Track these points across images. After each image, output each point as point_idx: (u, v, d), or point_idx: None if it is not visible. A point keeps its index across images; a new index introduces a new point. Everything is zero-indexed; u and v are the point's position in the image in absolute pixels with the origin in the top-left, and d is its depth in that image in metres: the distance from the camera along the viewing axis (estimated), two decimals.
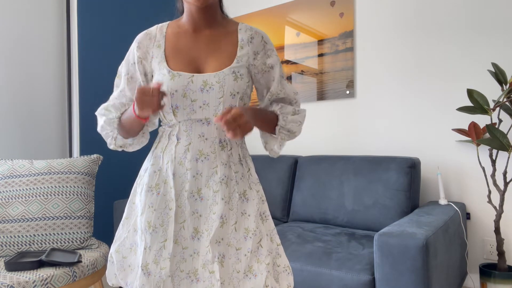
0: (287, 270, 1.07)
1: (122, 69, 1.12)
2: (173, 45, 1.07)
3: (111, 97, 1.13)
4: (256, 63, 1.08)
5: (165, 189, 1.03)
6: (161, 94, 0.95)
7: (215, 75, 1.01)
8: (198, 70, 1.04)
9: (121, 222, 1.11)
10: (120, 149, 1.15)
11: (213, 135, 1.03)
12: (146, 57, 1.08)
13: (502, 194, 2.03)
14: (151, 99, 0.92)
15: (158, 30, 1.09)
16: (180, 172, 1.03)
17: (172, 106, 1.01)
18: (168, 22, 1.13)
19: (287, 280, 1.06)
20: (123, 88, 1.10)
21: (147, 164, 1.09)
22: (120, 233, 1.10)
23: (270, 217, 1.09)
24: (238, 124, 0.89)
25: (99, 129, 1.13)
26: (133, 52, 1.09)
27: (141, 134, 1.14)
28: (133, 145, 1.15)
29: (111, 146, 1.13)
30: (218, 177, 1.02)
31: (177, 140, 1.04)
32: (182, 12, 1.13)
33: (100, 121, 1.11)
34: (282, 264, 1.07)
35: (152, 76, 1.08)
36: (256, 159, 2.77)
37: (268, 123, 1.08)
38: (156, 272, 0.98)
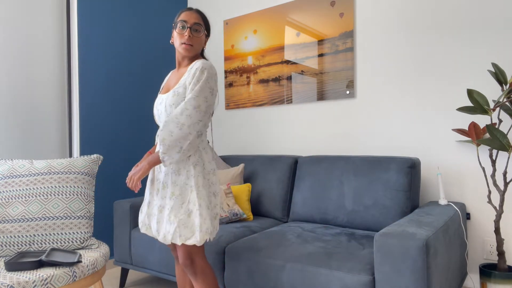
0: (199, 228, 1.52)
1: None
2: (167, 79, 1.76)
3: None
4: (189, 82, 1.57)
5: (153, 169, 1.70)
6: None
7: (165, 95, 1.62)
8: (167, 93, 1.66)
9: None
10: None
11: None
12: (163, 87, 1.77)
13: (502, 194, 2.03)
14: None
15: (171, 72, 1.79)
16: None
17: (154, 114, 1.70)
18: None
19: (196, 234, 1.53)
20: None
21: None
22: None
23: (197, 189, 1.54)
24: (133, 181, 1.54)
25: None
26: None
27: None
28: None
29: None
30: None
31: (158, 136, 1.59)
32: None
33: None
34: (197, 223, 1.53)
35: None
36: (256, 159, 2.77)
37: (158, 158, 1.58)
38: (144, 211, 1.71)
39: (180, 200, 1.55)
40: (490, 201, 2.08)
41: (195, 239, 1.53)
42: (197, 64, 1.57)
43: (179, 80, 1.62)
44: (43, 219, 1.74)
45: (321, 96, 2.84)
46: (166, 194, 1.58)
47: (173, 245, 1.80)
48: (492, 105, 2.25)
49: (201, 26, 1.62)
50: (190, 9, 1.64)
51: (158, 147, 1.60)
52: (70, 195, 1.81)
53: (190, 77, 1.56)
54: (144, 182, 3.19)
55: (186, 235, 1.53)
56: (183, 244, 1.57)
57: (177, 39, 1.61)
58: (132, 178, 1.54)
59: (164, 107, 1.59)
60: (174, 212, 1.54)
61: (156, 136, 1.64)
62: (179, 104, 1.55)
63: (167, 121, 1.50)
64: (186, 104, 1.50)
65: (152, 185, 1.67)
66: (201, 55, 1.71)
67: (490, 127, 1.94)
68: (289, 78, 2.99)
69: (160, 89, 1.74)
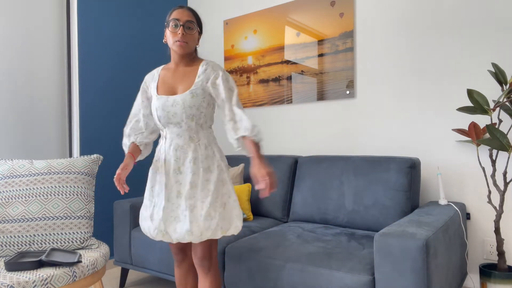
0: (238, 217, 1.63)
1: (138, 94, 1.77)
2: (162, 79, 1.69)
3: (130, 115, 1.78)
4: (208, 85, 1.63)
5: (161, 169, 1.63)
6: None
7: (180, 96, 1.61)
8: (174, 93, 1.65)
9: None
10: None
11: (185, 133, 1.62)
12: (148, 87, 1.73)
13: (502, 194, 2.03)
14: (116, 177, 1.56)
15: (156, 71, 1.73)
16: (167, 158, 1.62)
17: (157, 116, 1.63)
18: (164, 65, 1.74)
19: (236, 223, 1.62)
20: (133, 107, 1.77)
21: (155, 154, 1.71)
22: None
23: (228, 182, 1.63)
24: (271, 182, 1.46)
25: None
26: (142, 85, 1.76)
27: (144, 149, 1.78)
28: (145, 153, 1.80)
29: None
30: (188, 159, 1.60)
31: (165, 139, 1.66)
32: (170, 57, 1.75)
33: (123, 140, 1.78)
34: (236, 213, 1.62)
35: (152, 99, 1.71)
36: None
37: (258, 147, 1.58)
38: (157, 218, 1.60)
39: (215, 194, 1.58)
40: (490, 201, 2.08)
41: (236, 229, 1.61)
42: (213, 67, 1.64)
43: (188, 80, 1.63)
44: (43, 219, 1.74)
45: (321, 96, 2.84)
46: (197, 193, 1.58)
47: (183, 245, 1.76)
48: (492, 105, 2.25)
49: (193, 23, 1.62)
50: (182, 7, 1.65)
51: (253, 138, 1.56)
52: (70, 195, 1.81)
53: (210, 80, 1.61)
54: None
55: (225, 226, 1.58)
56: (206, 239, 1.61)
57: (170, 38, 1.61)
58: (272, 177, 1.45)
59: (181, 108, 1.58)
60: (213, 207, 1.56)
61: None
62: (200, 105, 1.59)
63: (245, 118, 1.57)
64: (243, 115, 1.58)
65: (166, 189, 1.60)
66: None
67: (490, 127, 1.94)
68: (289, 78, 2.99)
69: (154, 89, 1.68)
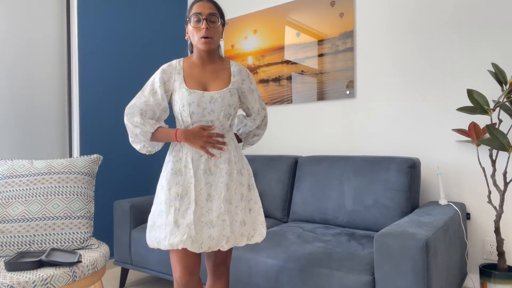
0: (263, 224, 1.56)
1: (147, 86, 1.54)
2: (188, 73, 1.54)
3: (138, 103, 1.52)
4: (243, 87, 1.61)
5: (186, 171, 1.48)
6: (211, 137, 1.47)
7: (218, 92, 1.50)
8: (205, 89, 1.52)
9: (154, 201, 1.53)
10: (148, 153, 1.60)
11: (216, 131, 1.51)
12: (170, 80, 1.53)
13: (502, 194, 2.03)
14: (206, 139, 1.46)
15: (178, 63, 1.56)
16: (196, 158, 1.47)
17: (189, 112, 1.47)
18: (182, 58, 1.59)
19: (261, 230, 1.56)
20: (147, 99, 1.52)
21: (169, 157, 1.52)
22: (152, 208, 1.51)
23: (255, 187, 1.59)
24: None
25: (132, 136, 1.53)
26: (158, 76, 1.53)
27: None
28: (157, 149, 1.61)
29: (142, 151, 1.57)
30: (222, 159, 1.49)
31: None
32: (192, 52, 1.61)
33: (136, 130, 1.51)
34: (261, 220, 1.56)
35: (171, 93, 1.55)
36: (256, 159, 2.77)
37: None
38: (183, 223, 1.41)
39: (247, 199, 1.54)
40: (490, 201, 2.07)
41: (260, 236, 1.55)
42: (247, 70, 1.66)
43: (222, 78, 1.54)
44: (43, 219, 1.74)
45: (321, 96, 2.84)
46: (231, 197, 1.49)
47: (199, 258, 1.54)
48: (492, 105, 2.25)
49: (216, 16, 1.49)
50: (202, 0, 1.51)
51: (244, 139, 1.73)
52: (70, 195, 1.81)
53: (245, 83, 1.61)
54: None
55: (251, 233, 1.53)
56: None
57: (194, 34, 1.49)
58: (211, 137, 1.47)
59: (220, 106, 1.48)
60: (245, 212, 1.51)
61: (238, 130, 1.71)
62: (236, 105, 1.55)
63: (259, 135, 1.75)
64: (266, 118, 1.74)
65: (195, 191, 1.45)
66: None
67: (490, 127, 1.94)
68: (289, 78, 2.99)
69: (182, 82, 1.51)
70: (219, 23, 1.51)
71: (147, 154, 1.61)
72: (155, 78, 1.54)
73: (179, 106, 1.48)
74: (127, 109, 1.52)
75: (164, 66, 1.57)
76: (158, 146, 1.60)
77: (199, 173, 1.47)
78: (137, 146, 1.55)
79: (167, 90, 1.54)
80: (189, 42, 1.59)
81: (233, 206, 1.49)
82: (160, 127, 1.52)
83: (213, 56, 1.57)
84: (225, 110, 1.49)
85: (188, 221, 1.40)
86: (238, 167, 1.53)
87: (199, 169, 1.47)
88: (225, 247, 1.44)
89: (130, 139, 1.54)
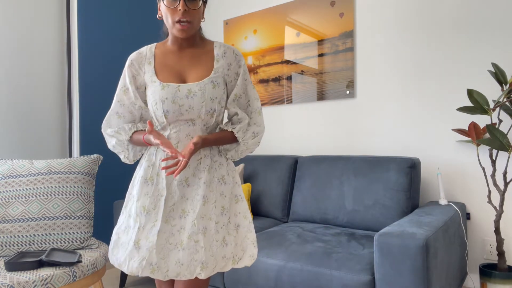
0: (254, 244, 1.29)
1: (119, 83, 1.32)
2: (161, 62, 1.27)
3: (113, 106, 1.32)
4: (229, 73, 1.28)
5: (158, 180, 1.23)
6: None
7: (197, 84, 1.22)
8: (182, 80, 1.25)
9: (122, 210, 1.31)
10: (133, 163, 1.38)
11: (197, 133, 1.24)
12: (139, 73, 1.28)
13: (502, 194, 2.03)
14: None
15: (148, 50, 1.30)
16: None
17: (163, 111, 1.21)
18: (155, 43, 1.33)
19: (251, 251, 1.27)
20: (121, 98, 1.31)
21: (142, 161, 1.30)
22: (120, 219, 1.30)
23: (244, 199, 1.31)
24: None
25: (111, 148, 1.33)
26: (127, 69, 1.29)
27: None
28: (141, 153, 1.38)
29: (126, 161, 1.35)
30: (202, 166, 1.23)
31: (168, 140, 1.20)
32: (167, 35, 1.33)
33: (111, 141, 1.31)
34: (251, 238, 1.28)
35: (145, 88, 1.29)
36: (256, 159, 2.77)
37: (228, 142, 1.29)
38: (144, 245, 1.17)
39: (229, 213, 1.25)
40: (490, 201, 2.07)
41: (251, 258, 1.27)
42: (234, 51, 1.30)
43: (203, 65, 1.26)
44: (43, 219, 1.74)
45: (321, 96, 2.84)
46: (209, 211, 1.20)
47: (171, 283, 1.33)
48: (492, 105, 2.25)
49: None
50: None
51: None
52: (70, 195, 1.81)
53: (232, 69, 1.27)
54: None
55: (238, 255, 1.25)
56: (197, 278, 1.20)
57: (168, 16, 1.20)
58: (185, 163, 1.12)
59: (201, 102, 1.21)
60: (227, 229, 1.22)
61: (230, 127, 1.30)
62: (222, 98, 1.25)
63: (259, 134, 1.32)
64: (259, 119, 1.32)
65: (165, 206, 1.21)
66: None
67: (490, 127, 1.94)
68: (289, 78, 2.99)
69: (153, 74, 1.25)
70: (200, 3, 1.21)
71: (133, 163, 1.38)
72: (125, 71, 1.29)
73: (151, 103, 1.23)
74: (104, 121, 1.32)
75: (132, 55, 1.29)
76: (142, 152, 1.37)
77: (174, 184, 1.21)
78: (120, 156, 1.34)
79: (138, 85, 1.28)
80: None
81: (213, 222, 1.20)
82: (136, 131, 1.28)
83: (192, 39, 1.28)
84: (206, 106, 1.21)
85: (149, 243, 1.16)
86: (219, 174, 1.26)
87: (174, 180, 1.21)
88: (202, 275, 1.14)
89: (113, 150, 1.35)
